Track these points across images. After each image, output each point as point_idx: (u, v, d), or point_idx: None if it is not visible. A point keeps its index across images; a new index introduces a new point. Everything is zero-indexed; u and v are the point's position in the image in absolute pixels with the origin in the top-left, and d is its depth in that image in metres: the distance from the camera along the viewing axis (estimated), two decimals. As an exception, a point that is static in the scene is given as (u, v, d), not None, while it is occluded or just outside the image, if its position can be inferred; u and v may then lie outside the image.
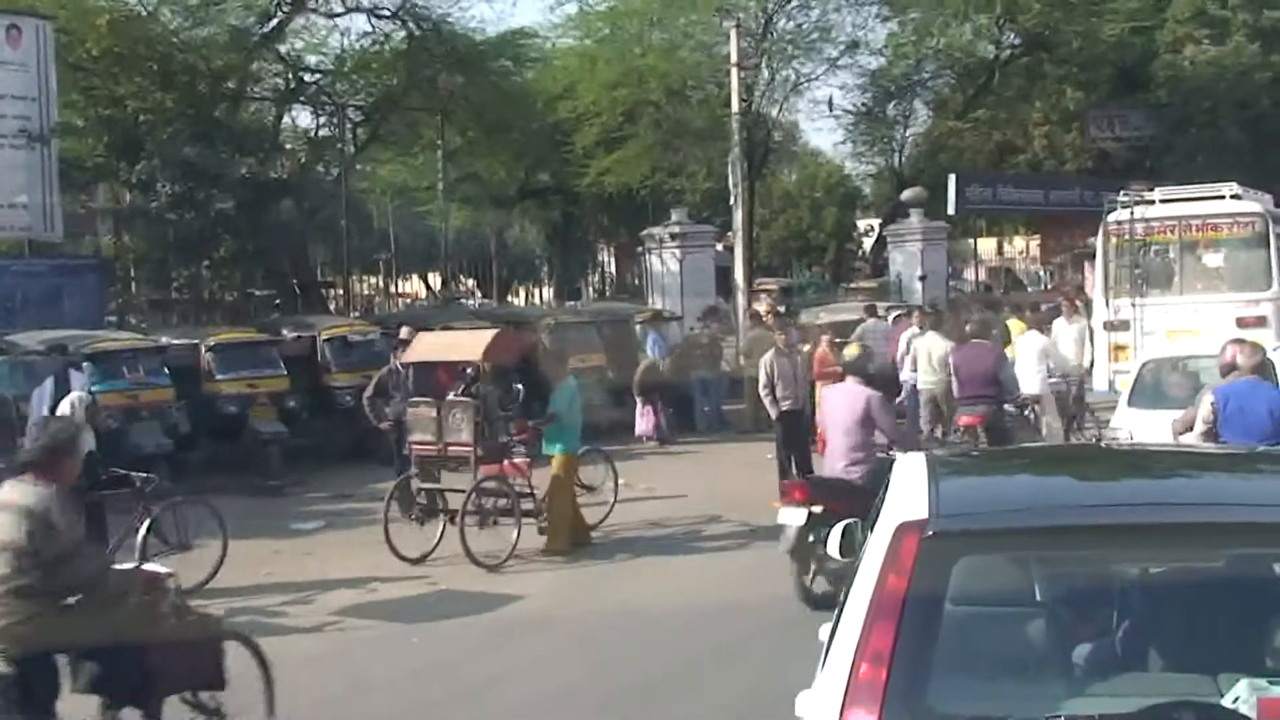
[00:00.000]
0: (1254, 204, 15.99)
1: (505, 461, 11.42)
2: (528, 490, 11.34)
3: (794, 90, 34.22)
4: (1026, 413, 13.80)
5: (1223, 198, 15.91)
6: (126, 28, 23.74)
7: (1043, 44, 33.28)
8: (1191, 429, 7.85)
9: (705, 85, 31.92)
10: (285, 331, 18.54)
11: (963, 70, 35.11)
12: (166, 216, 22.66)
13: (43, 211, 21.24)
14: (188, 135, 23.12)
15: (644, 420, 18.32)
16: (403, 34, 28.66)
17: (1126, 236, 16.00)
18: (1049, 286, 38.61)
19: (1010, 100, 35.62)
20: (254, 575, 10.34)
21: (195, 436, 15.49)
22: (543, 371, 12.45)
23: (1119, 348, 15.57)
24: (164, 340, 16.70)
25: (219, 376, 16.15)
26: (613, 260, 48.83)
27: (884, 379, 12.64)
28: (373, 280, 49.46)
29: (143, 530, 9.57)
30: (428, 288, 50.12)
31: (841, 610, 3.63)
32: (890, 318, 19.91)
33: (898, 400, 14.91)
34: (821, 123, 60.82)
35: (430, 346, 12.68)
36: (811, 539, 8.63)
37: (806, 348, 15.73)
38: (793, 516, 8.85)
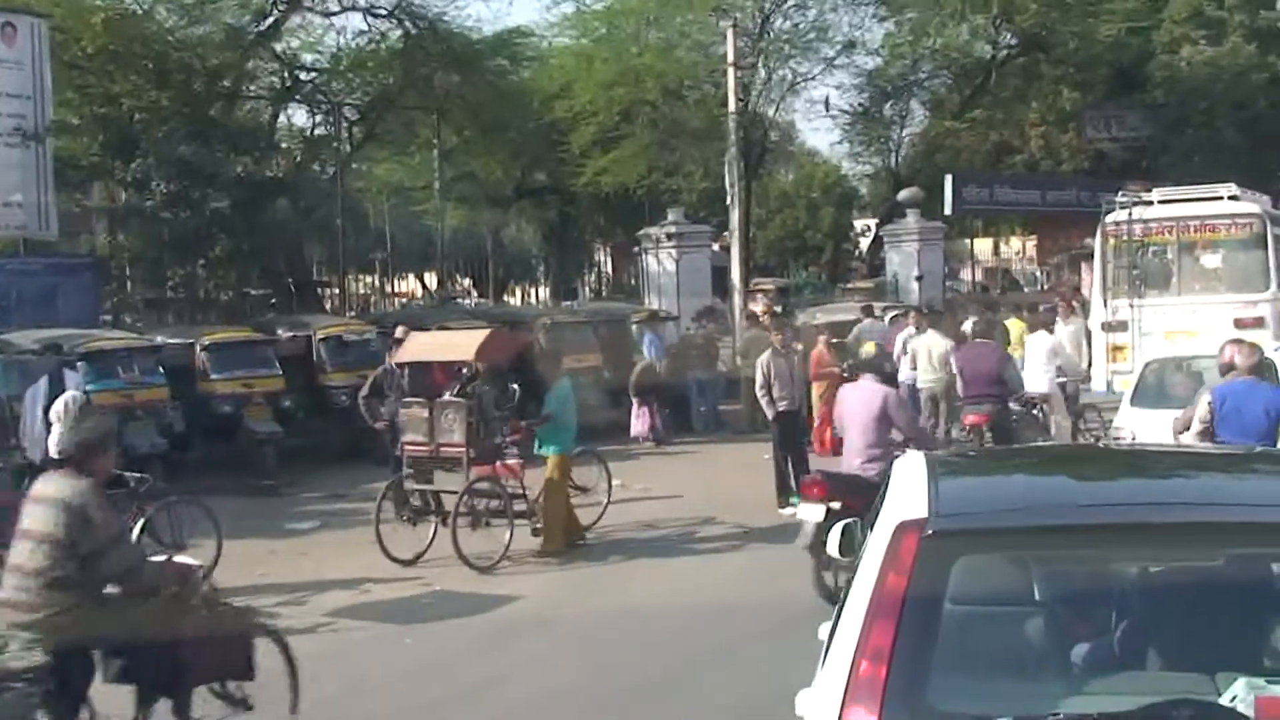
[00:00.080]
0: (1252, 205, 16.02)
1: (498, 462, 11.38)
2: (520, 491, 11.29)
3: (791, 90, 34.23)
4: (1035, 411, 13.84)
5: (1221, 199, 15.95)
6: (122, 26, 23.68)
7: (1039, 44, 33.27)
8: (1189, 428, 7.88)
9: (702, 85, 31.86)
10: (280, 331, 18.48)
11: (959, 70, 35.07)
12: (162, 215, 22.62)
13: (37, 210, 21.22)
14: (183, 134, 23.09)
15: (640, 421, 18.28)
16: (399, 33, 28.60)
17: (1124, 237, 16.02)
18: (1045, 287, 38.68)
19: (1007, 100, 35.61)
20: (249, 575, 10.28)
21: (190, 436, 15.47)
22: (538, 372, 12.39)
23: (1117, 348, 15.60)
24: (159, 339, 16.69)
25: (214, 376, 16.15)
26: (609, 260, 48.77)
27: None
28: (368, 280, 49.47)
29: (136, 530, 9.53)
30: (424, 287, 50.08)
31: (841, 609, 3.63)
32: (887, 318, 19.92)
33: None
34: (818, 123, 61.41)
35: (423, 346, 12.62)
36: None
37: (801, 347, 15.70)
38: (811, 512, 8.90)
